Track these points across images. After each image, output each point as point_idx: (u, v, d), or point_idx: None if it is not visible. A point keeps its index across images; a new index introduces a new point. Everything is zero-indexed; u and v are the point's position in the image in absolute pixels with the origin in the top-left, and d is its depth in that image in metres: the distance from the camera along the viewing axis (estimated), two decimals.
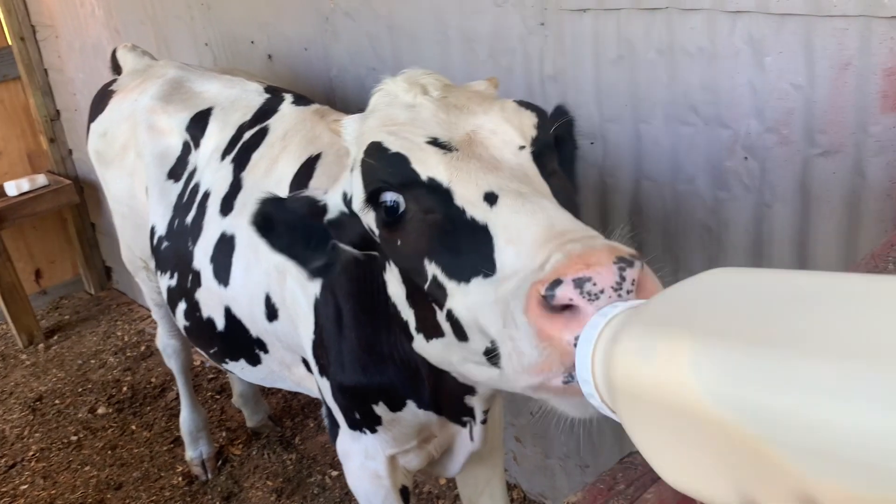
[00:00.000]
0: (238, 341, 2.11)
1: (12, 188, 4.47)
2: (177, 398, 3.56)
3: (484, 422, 1.76)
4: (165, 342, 3.19)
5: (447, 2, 2.31)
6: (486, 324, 1.04)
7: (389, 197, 1.19)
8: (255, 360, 2.15)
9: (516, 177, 1.13)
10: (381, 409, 1.74)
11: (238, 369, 2.26)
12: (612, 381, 0.71)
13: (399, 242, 1.21)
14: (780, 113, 1.74)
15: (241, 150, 2.15)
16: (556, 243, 0.94)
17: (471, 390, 1.64)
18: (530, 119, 1.24)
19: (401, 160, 1.18)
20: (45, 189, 4.56)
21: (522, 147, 1.19)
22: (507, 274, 1.00)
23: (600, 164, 2.14)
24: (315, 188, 1.46)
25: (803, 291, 0.60)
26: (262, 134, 2.13)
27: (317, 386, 1.92)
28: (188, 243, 2.18)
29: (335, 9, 2.68)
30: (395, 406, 1.73)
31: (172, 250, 2.27)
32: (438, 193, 1.14)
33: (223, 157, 2.20)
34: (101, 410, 3.92)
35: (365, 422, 1.80)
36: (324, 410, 1.97)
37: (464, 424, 1.79)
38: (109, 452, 3.60)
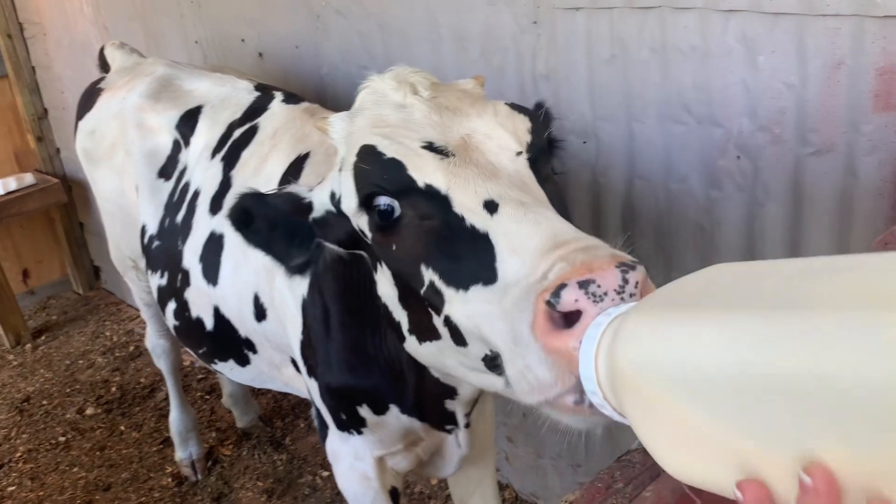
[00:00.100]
0: (227, 341, 2.09)
1: None
2: (166, 398, 3.54)
3: (468, 425, 1.76)
4: (155, 342, 3.17)
5: (439, 0, 2.30)
6: (491, 337, 1.03)
7: (384, 201, 1.18)
8: (244, 361, 2.14)
9: (515, 184, 1.12)
10: (365, 411, 1.73)
11: (227, 370, 2.25)
12: (615, 370, 0.72)
13: (394, 247, 1.20)
14: (773, 112, 1.74)
15: (231, 149, 2.13)
16: (560, 253, 0.94)
17: (451, 394, 1.63)
18: (524, 123, 1.24)
19: (397, 166, 1.16)
20: (33, 188, 4.51)
21: (519, 153, 1.19)
22: (509, 283, 1.00)
23: (593, 163, 2.13)
24: (299, 185, 1.44)
25: (799, 268, 0.63)
26: (252, 132, 2.11)
27: (306, 387, 1.91)
28: (178, 242, 2.16)
29: (326, 7, 2.66)
30: (379, 410, 1.72)
31: (163, 249, 2.25)
32: (436, 200, 1.13)
33: (213, 155, 2.18)
34: (89, 411, 3.89)
35: (351, 423, 1.79)
36: (313, 411, 1.96)
37: (448, 432, 1.79)
38: (98, 453, 3.57)
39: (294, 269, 1.37)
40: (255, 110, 2.20)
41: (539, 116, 1.30)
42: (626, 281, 0.86)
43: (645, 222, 2.10)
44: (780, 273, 0.65)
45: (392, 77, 1.32)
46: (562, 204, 1.19)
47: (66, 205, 4.83)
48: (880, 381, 0.48)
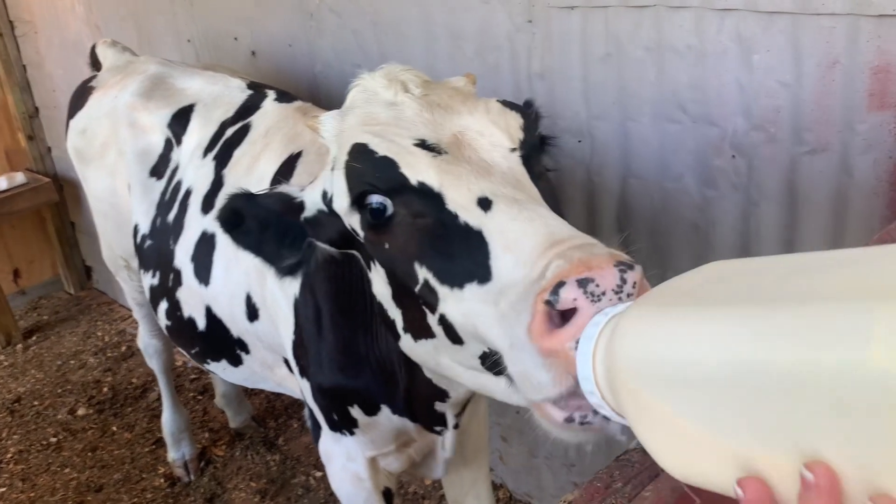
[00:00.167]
0: (219, 341, 2.08)
1: None
2: (158, 399, 3.52)
3: (456, 426, 1.76)
4: (147, 342, 3.15)
5: None
6: (488, 337, 1.03)
7: (376, 199, 1.17)
8: (236, 361, 2.12)
9: (508, 182, 1.11)
10: (356, 411, 1.72)
11: (220, 370, 2.23)
12: (613, 370, 0.71)
13: (387, 245, 1.19)
14: (768, 111, 1.74)
15: (224, 148, 2.12)
16: (557, 251, 0.93)
17: (442, 396, 1.62)
18: (516, 120, 1.23)
19: (389, 164, 1.15)
20: (24, 187, 4.49)
21: (512, 150, 1.18)
22: (504, 281, 0.99)
23: (588, 161, 2.13)
24: (291, 184, 1.43)
25: (796, 263, 0.63)
26: (245, 131, 2.10)
27: (298, 387, 1.90)
28: (170, 242, 2.15)
29: (320, 5, 2.65)
30: (370, 410, 1.71)
31: (155, 249, 2.24)
32: (429, 198, 1.12)
33: (205, 154, 2.17)
34: (81, 412, 3.87)
35: (343, 423, 1.78)
36: (306, 412, 1.95)
37: (437, 433, 1.78)
38: (90, 454, 3.55)
39: (285, 271, 1.35)
40: (248, 109, 2.18)
41: (530, 115, 1.30)
42: (623, 280, 0.85)
43: (640, 221, 2.09)
44: (776, 269, 0.64)
45: (383, 75, 1.31)
46: (555, 201, 1.19)
47: (57, 204, 4.80)
48: (879, 375, 0.48)
